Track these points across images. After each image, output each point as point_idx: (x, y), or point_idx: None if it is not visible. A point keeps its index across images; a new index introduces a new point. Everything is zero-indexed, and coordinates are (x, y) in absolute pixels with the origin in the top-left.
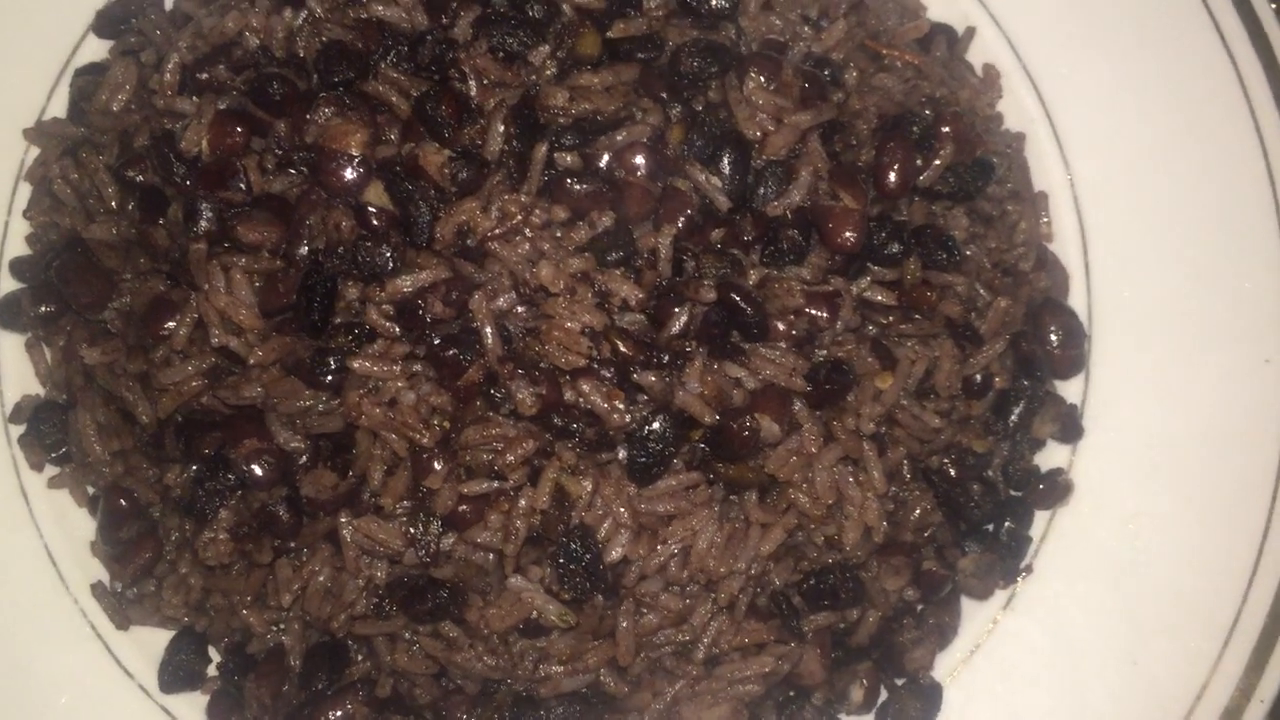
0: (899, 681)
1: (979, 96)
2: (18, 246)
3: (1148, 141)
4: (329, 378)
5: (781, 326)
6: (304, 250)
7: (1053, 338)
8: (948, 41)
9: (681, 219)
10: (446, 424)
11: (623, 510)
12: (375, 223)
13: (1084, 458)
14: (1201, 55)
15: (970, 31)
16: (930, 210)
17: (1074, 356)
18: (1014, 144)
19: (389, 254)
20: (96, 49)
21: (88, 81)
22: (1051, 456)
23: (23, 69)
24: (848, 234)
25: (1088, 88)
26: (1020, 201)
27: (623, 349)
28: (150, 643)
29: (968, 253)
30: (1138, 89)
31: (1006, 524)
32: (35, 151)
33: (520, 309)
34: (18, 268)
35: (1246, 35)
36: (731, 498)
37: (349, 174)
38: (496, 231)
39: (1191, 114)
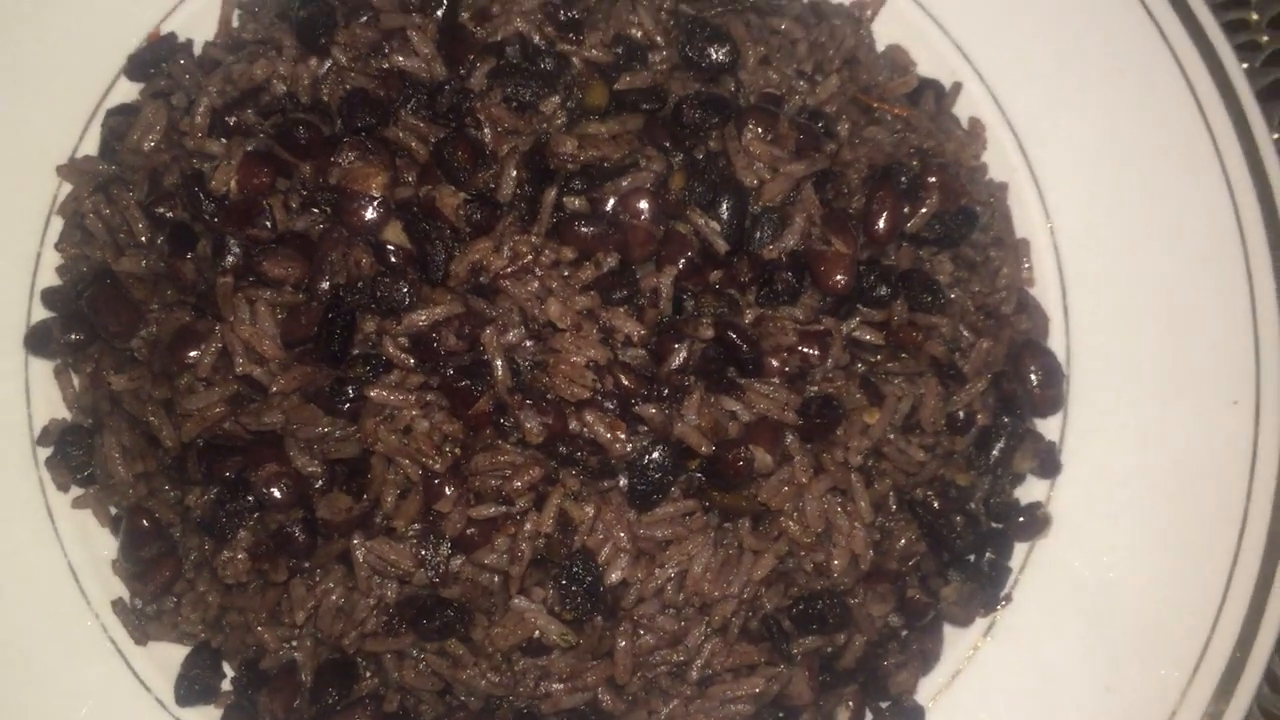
0: (883, 705)
1: (964, 148)
2: (48, 278)
3: (1124, 193)
4: (346, 406)
5: (775, 363)
6: (325, 285)
7: (1033, 377)
8: (935, 96)
9: (682, 260)
10: (457, 451)
11: (623, 535)
12: (393, 260)
13: (1062, 492)
14: (1175, 112)
15: (957, 86)
16: (917, 255)
17: (1053, 396)
18: (997, 193)
19: (406, 289)
20: (127, 91)
21: (119, 121)
22: (1031, 491)
23: (57, 108)
24: (839, 277)
25: (1068, 141)
26: (1002, 248)
27: (625, 382)
28: (167, 658)
29: (952, 296)
30: (1115, 143)
31: (987, 554)
32: (67, 188)
33: (529, 343)
34: (49, 297)
35: (1218, 93)
36: (726, 525)
37: (369, 214)
38: (508, 270)
39: (1166, 168)
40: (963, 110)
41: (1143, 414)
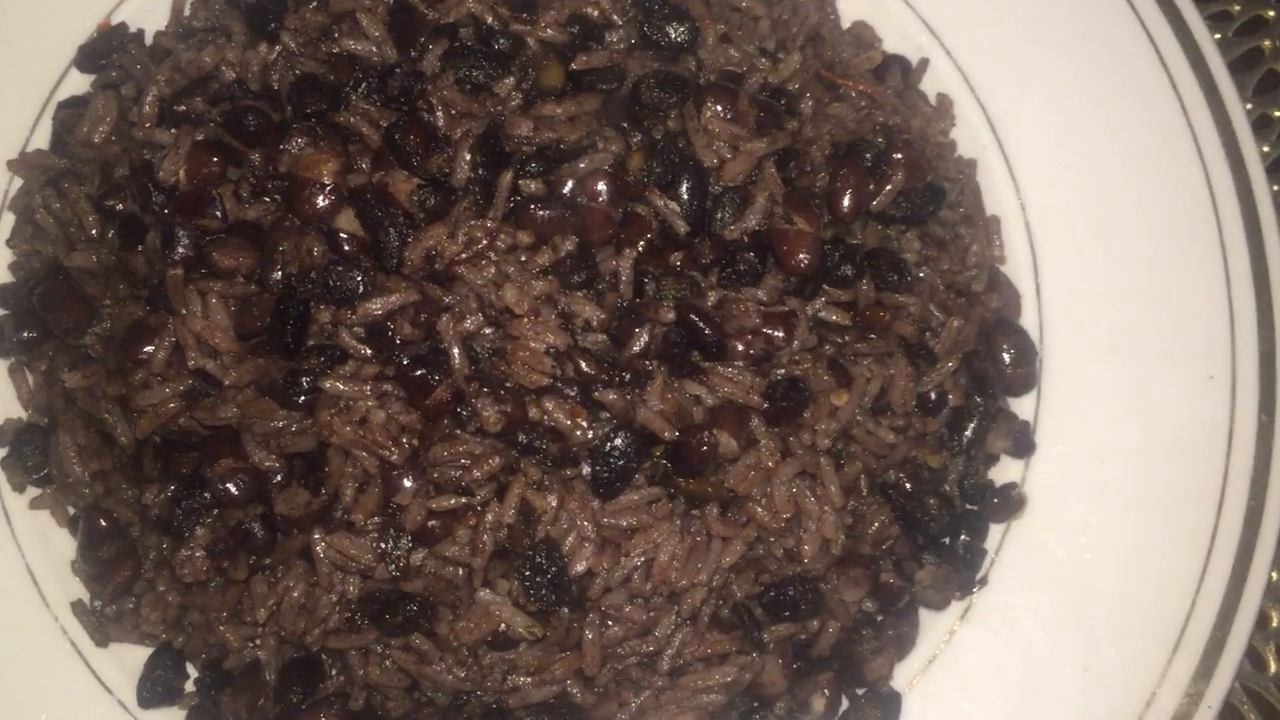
0: (859, 691)
1: (932, 124)
2: (0, 275)
3: (1096, 168)
4: (302, 398)
5: (739, 346)
6: (278, 275)
7: (1005, 356)
8: (902, 71)
9: (642, 243)
10: (415, 442)
11: (587, 524)
12: (346, 248)
13: (1036, 472)
14: (1146, 85)
15: (924, 63)
16: (884, 234)
17: (1026, 374)
18: (965, 170)
19: (359, 278)
20: (79, 83)
21: (70, 114)
22: (1005, 471)
23: (6, 102)
24: (802, 256)
25: (1037, 116)
26: (972, 225)
27: (585, 368)
28: (129, 660)
29: (920, 274)
30: (1086, 118)
31: (962, 537)
32: (18, 183)
33: (487, 330)
34: (1, 295)
35: (1190, 66)
36: (693, 512)
37: (321, 201)
38: (463, 256)
39: (1137, 142)
40: (930, 87)
41: (1117, 391)
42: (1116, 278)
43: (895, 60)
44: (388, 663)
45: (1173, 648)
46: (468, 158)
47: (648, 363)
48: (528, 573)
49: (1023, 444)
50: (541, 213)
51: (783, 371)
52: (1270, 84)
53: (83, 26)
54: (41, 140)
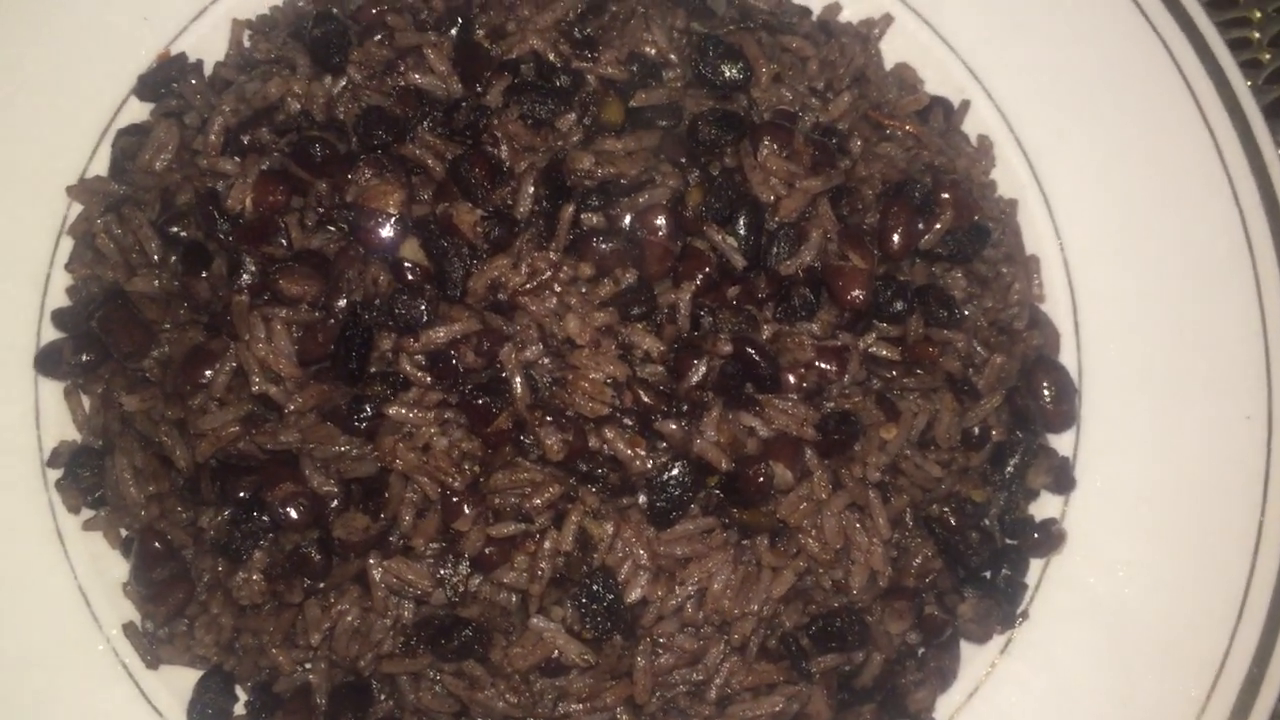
0: None
1: (974, 164)
2: (58, 299)
3: (1133, 209)
4: (364, 424)
5: (793, 379)
6: (342, 302)
7: (1045, 393)
8: (944, 113)
9: (700, 276)
10: (476, 469)
11: (642, 553)
12: (410, 277)
13: (1076, 508)
14: (1181, 127)
15: (965, 104)
16: (930, 272)
17: (1066, 411)
18: (1007, 210)
19: (423, 307)
20: (138, 111)
21: (130, 142)
22: (1045, 507)
23: (66, 128)
24: (856, 292)
25: (1076, 158)
26: (1013, 264)
27: (644, 398)
28: (179, 683)
29: (966, 312)
30: (1123, 159)
31: (1004, 571)
32: (77, 208)
33: (547, 360)
34: (59, 318)
35: (1224, 109)
36: (744, 543)
37: (386, 231)
38: (526, 286)
39: (1173, 182)
40: (971, 128)
41: (1156, 429)
42: (1153, 317)
43: (938, 102)
44: (438, 688)
45: (1211, 683)
46: (531, 190)
47: (705, 394)
48: (584, 600)
49: (1063, 480)
50: (602, 245)
51: (833, 405)
52: None
53: (142, 56)
54: (100, 168)
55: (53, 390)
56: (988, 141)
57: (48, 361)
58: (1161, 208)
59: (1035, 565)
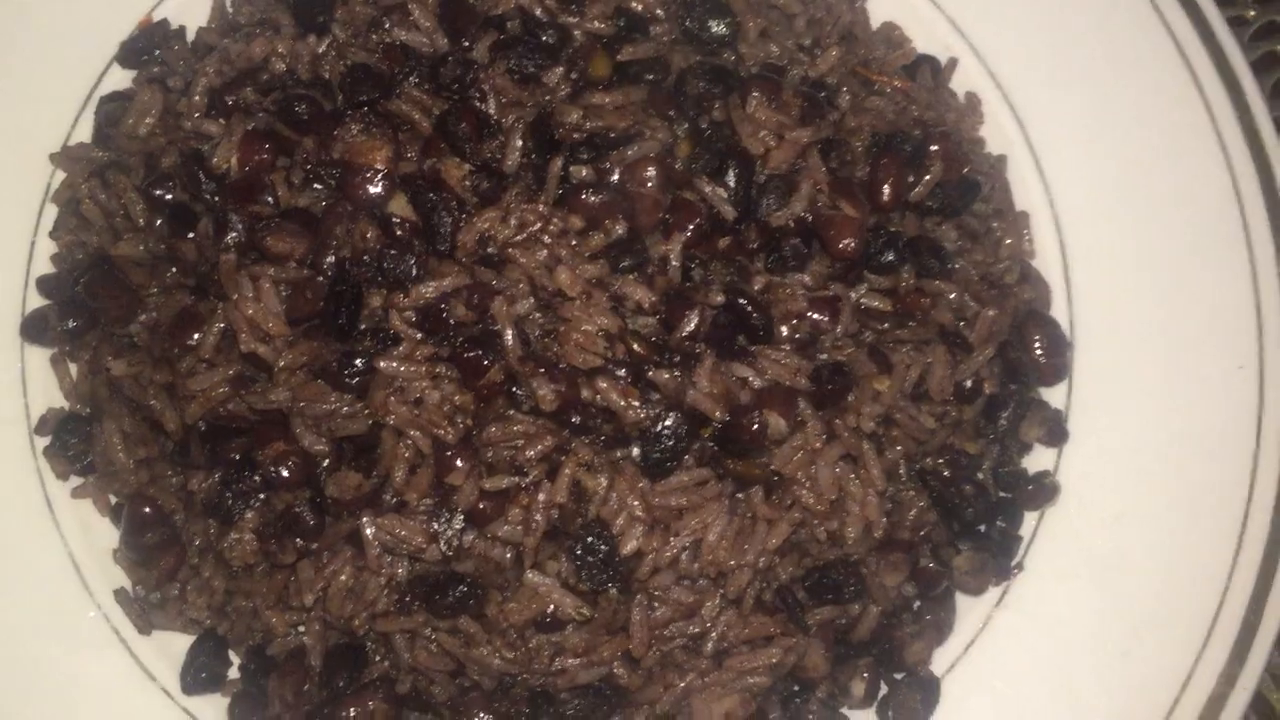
0: (898, 676)
1: (963, 119)
2: (43, 267)
3: (1122, 163)
4: (355, 380)
5: (785, 330)
6: (331, 259)
7: (1037, 346)
8: (932, 71)
9: (690, 228)
10: (469, 422)
11: (637, 505)
12: (399, 233)
13: (1070, 461)
14: (1170, 82)
15: (953, 62)
16: (920, 225)
17: (1058, 364)
18: (996, 165)
19: (412, 262)
20: (120, 79)
21: (114, 108)
22: (1039, 460)
23: (49, 96)
24: (848, 240)
25: (1064, 114)
26: (1003, 219)
27: (637, 349)
28: (172, 648)
29: (957, 264)
30: (1111, 115)
31: (998, 524)
32: (60, 176)
33: (538, 315)
34: (45, 285)
35: (1212, 64)
36: (739, 495)
37: (374, 187)
38: (516, 239)
39: (1162, 138)
40: (959, 85)
41: (1148, 380)
42: (1144, 270)
43: (926, 60)
44: (434, 646)
45: (1208, 630)
46: (519, 144)
47: (697, 345)
48: (579, 552)
49: (1056, 432)
50: (592, 198)
51: (826, 356)
52: None
53: (124, 23)
54: (83, 135)
55: (39, 358)
56: (976, 98)
57: (34, 328)
58: (1150, 162)
59: (1030, 518)
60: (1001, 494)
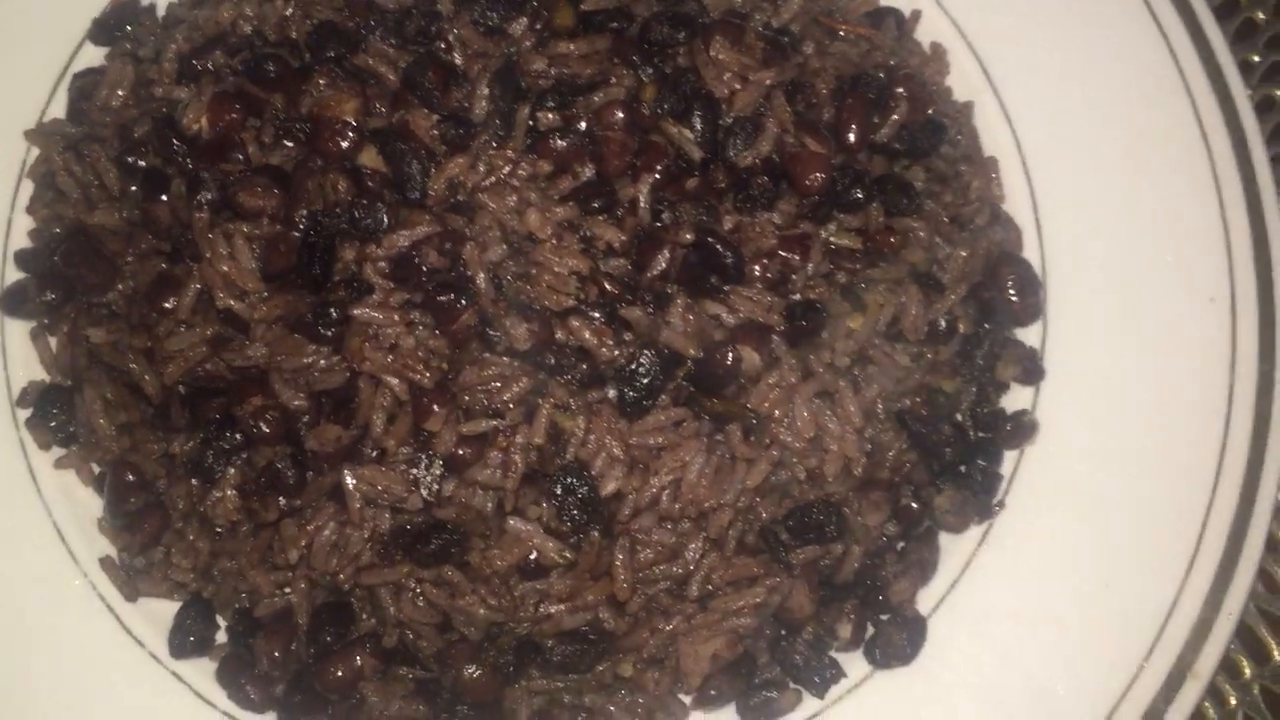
0: (883, 617)
1: (928, 64)
2: (20, 242)
3: (1088, 105)
4: (331, 329)
5: (757, 269)
6: (303, 213)
7: (1010, 286)
8: (896, 22)
9: (658, 169)
10: (444, 366)
11: (615, 445)
12: (370, 184)
13: (1047, 398)
14: (1132, 24)
15: (916, 14)
16: (889, 167)
17: (1031, 304)
18: (962, 112)
19: (383, 212)
20: (93, 56)
21: (87, 83)
22: (1016, 399)
23: (22, 75)
24: (815, 175)
25: (1029, 61)
26: (972, 164)
27: (609, 289)
28: (159, 614)
29: (928, 205)
30: (1075, 59)
31: (978, 463)
32: (36, 153)
33: (510, 262)
34: (22, 259)
35: (1172, 5)
36: (718, 437)
37: (344, 140)
38: (485, 184)
39: (1126, 77)
40: (924, 38)
41: (1121, 316)
42: (1113, 208)
43: (889, 12)
44: (419, 599)
45: (1190, 559)
46: (486, 91)
47: (669, 285)
48: (559, 493)
49: (1032, 370)
50: (560, 142)
51: (798, 296)
52: (1248, 30)
53: (96, 1)
54: (57, 112)
55: (19, 332)
56: (941, 48)
57: (12, 301)
58: (1116, 102)
59: (1010, 457)
60: (980, 434)
